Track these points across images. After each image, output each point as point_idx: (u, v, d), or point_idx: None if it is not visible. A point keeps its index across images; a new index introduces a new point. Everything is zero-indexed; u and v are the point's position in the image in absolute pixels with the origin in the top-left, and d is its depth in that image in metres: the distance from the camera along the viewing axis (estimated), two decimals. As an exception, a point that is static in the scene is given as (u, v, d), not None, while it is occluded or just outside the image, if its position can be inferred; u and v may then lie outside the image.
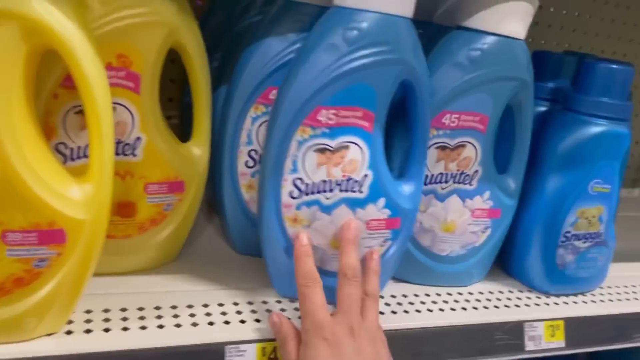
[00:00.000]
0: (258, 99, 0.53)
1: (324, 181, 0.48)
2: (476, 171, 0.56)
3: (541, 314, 0.58)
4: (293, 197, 0.48)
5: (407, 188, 0.51)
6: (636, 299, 0.65)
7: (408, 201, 0.51)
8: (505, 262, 0.65)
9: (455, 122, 0.54)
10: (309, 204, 0.48)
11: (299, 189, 0.48)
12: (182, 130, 0.74)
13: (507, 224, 0.60)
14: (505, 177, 0.59)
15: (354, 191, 0.48)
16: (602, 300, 0.63)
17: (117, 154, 0.48)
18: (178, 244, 0.55)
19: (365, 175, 0.48)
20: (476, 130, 0.55)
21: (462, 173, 0.56)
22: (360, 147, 0.47)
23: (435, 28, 0.62)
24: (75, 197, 0.39)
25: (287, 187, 0.48)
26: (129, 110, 0.47)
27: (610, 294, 0.66)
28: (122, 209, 0.50)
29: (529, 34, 0.54)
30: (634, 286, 0.69)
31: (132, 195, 0.49)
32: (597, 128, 0.57)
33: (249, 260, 0.58)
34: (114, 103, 0.46)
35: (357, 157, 0.48)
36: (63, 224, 0.38)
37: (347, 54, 0.44)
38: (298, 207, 0.48)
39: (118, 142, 0.48)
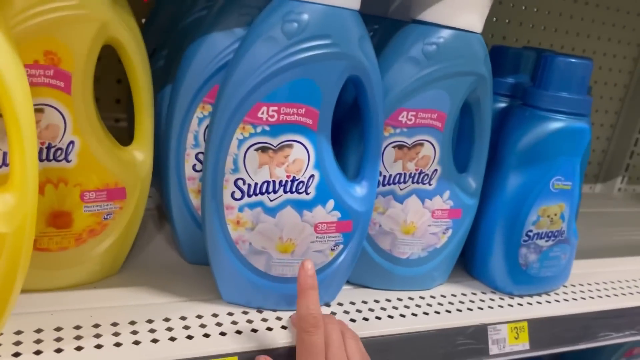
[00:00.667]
0: (204, 97, 0.50)
1: (267, 182, 0.45)
2: (435, 170, 0.54)
3: (504, 316, 0.56)
4: (235, 199, 0.45)
5: (360, 190, 0.49)
6: (600, 297, 0.65)
7: (361, 203, 0.49)
8: (467, 263, 0.64)
9: (412, 120, 0.52)
10: (252, 205, 0.45)
11: (241, 190, 0.45)
12: (131, 133, 0.70)
13: (468, 224, 0.59)
14: (465, 175, 0.57)
15: (299, 192, 0.46)
16: (566, 300, 0.62)
17: (48, 159, 0.44)
18: (121, 255, 0.51)
19: (312, 176, 0.46)
20: (434, 128, 0.52)
21: (420, 173, 0.54)
22: (305, 146, 0.45)
23: (390, 22, 0.60)
24: (-6, 209, 0.35)
25: (228, 187, 0.45)
26: (59, 112, 0.43)
27: (574, 292, 0.64)
28: (57, 219, 0.46)
29: (489, 29, 0.52)
30: (597, 284, 0.68)
31: (67, 204, 0.46)
32: (557, 124, 0.56)
33: (199, 269, 0.55)
34: (43, 104, 0.43)
35: (302, 157, 0.45)
36: (-20, 239, 0.35)
37: (287, 47, 0.42)
38: (240, 209, 0.45)
39: (49, 147, 0.44)
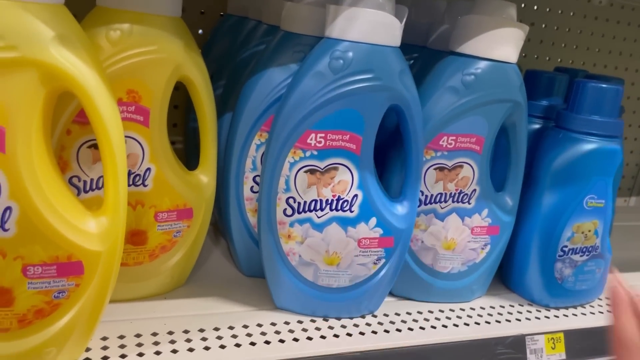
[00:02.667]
0: (262, 126, 0.56)
1: (315, 200, 0.50)
2: (474, 190, 0.58)
3: (541, 327, 0.59)
4: (287, 215, 0.50)
5: (401, 208, 0.53)
6: (634, 309, 0.67)
7: (402, 221, 0.53)
8: (505, 276, 0.67)
9: (452, 144, 0.56)
10: (301, 221, 0.51)
11: (292, 207, 0.50)
12: (187, 155, 0.76)
13: (505, 239, 0.62)
14: (502, 194, 0.61)
15: (344, 210, 0.51)
16: (600, 312, 0.65)
17: (128, 184, 0.50)
18: (187, 268, 0.57)
19: (355, 195, 0.51)
20: (473, 151, 0.57)
21: (460, 192, 0.58)
22: (349, 169, 0.50)
23: (429, 52, 0.64)
24: (92, 230, 0.40)
25: (281, 205, 0.50)
26: (139, 143, 0.49)
27: (609, 304, 0.67)
28: (134, 237, 0.51)
29: (522, 50, 0.56)
30: (631, 296, 0.70)
31: (143, 223, 0.51)
32: (589, 145, 0.60)
33: (255, 281, 0.60)
34: (126, 136, 0.48)
35: (346, 178, 0.50)
36: (81, 256, 0.40)
37: (333, 81, 0.47)
38: (291, 224, 0.51)
39: (129, 173, 0.49)
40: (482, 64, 0.54)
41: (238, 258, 0.61)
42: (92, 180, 0.48)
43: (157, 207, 0.52)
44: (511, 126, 0.58)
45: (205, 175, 0.55)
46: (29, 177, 0.37)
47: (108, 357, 0.45)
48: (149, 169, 0.50)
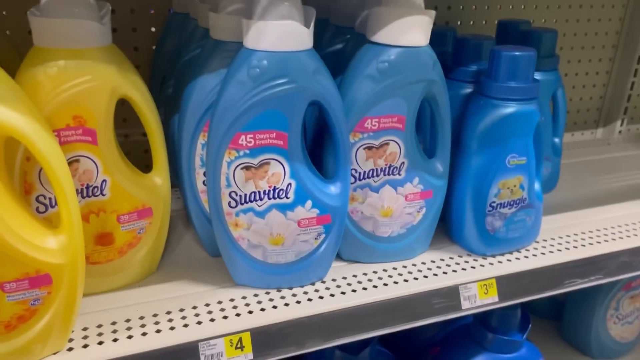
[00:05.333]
0: (204, 128, 0.62)
1: (254, 192, 0.57)
2: (402, 162, 0.64)
3: (474, 276, 0.67)
4: (231, 207, 0.58)
5: (334, 188, 0.60)
6: (567, 249, 0.74)
7: (336, 199, 0.60)
8: (448, 231, 0.74)
9: (377, 125, 0.62)
10: (245, 211, 0.58)
11: (235, 200, 0.57)
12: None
13: (440, 201, 0.69)
14: (433, 161, 0.67)
15: (281, 197, 0.58)
16: (534, 255, 0.72)
17: (89, 195, 0.57)
18: (156, 258, 0.65)
19: (289, 184, 0.57)
20: (396, 129, 0.62)
21: (390, 166, 0.64)
22: (280, 162, 0.57)
23: (357, 35, 0.69)
24: (53, 247, 0.48)
25: (225, 199, 0.57)
26: (91, 160, 0.56)
27: (544, 247, 0.74)
28: (102, 239, 0.59)
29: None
30: (568, 236, 0.77)
31: (108, 227, 0.59)
32: (507, 110, 0.65)
33: (219, 261, 0.67)
34: (79, 156, 0.55)
35: (279, 170, 0.57)
36: (47, 269, 0.48)
37: (253, 88, 0.53)
38: (237, 214, 0.58)
39: (87, 187, 0.57)
40: (394, 51, 0.59)
41: (202, 242, 0.69)
42: (55, 197, 0.55)
43: (118, 211, 0.59)
44: (433, 100, 0.64)
45: (159, 177, 0.62)
46: (-10, 213, 0.45)
47: (88, 345, 0.53)
48: (104, 180, 0.57)
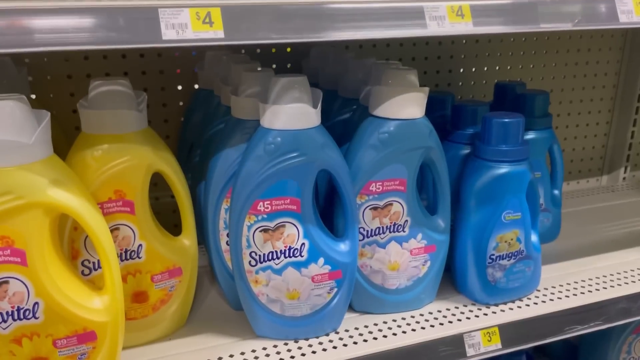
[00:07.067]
0: (227, 194, 0.70)
1: (271, 252, 0.64)
2: (406, 220, 0.71)
3: (477, 325, 0.72)
4: (251, 265, 0.65)
5: (344, 246, 0.67)
6: (567, 296, 0.79)
7: (346, 256, 0.67)
8: (454, 282, 0.80)
9: (380, 188, 0.69)
10: (264, 269, 0.65)
11: (255, 259, 0.64)
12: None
13: (444, 254, 0.75)
14: (435, 217, 0.74)
15: (296, 256, 0.64)
16: (535, 303, 0.77)
17: (127, 259, 0.65)
18: (185, 312, 0.72)
19: (303, 244, 0.64)
20: (399, 191, 0.69)
21: (394, 224, 0.71)
22: (294, 224, 0.64)
23: (362, 107, 0.77)
24: (98, 307, 0.56)
25: (246, 258, 0.64)
26: (130, 227, 0.64)
27: (545, 295, 0.79)
28: (137, 297, 0.66)
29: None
30: (568, 284, 0.82)
31: (142, 286, 0.66)
32: (500, 170, 0.71)
33: (242, 314, 0.74)
34: (119, 224, 0.63)
35: (293, 232, 0.64)
36: (93, 327, 0.55)
37: (269, 161, 0.61)
38: (257, 272, 0.65)
39: (126, 251, 0.64)
40: (393, 124, 0.67)
41: (226, 296, 0.75)
42: (98, 261, 0.63)
43: (152, 272, 0.66)
44: (431, 164, 0.71)
45: (188, 240, 0.69)
46: (46, 279, 0.52)
47: (126, 394, 0.60)
48: (140, 244, 0.65)
